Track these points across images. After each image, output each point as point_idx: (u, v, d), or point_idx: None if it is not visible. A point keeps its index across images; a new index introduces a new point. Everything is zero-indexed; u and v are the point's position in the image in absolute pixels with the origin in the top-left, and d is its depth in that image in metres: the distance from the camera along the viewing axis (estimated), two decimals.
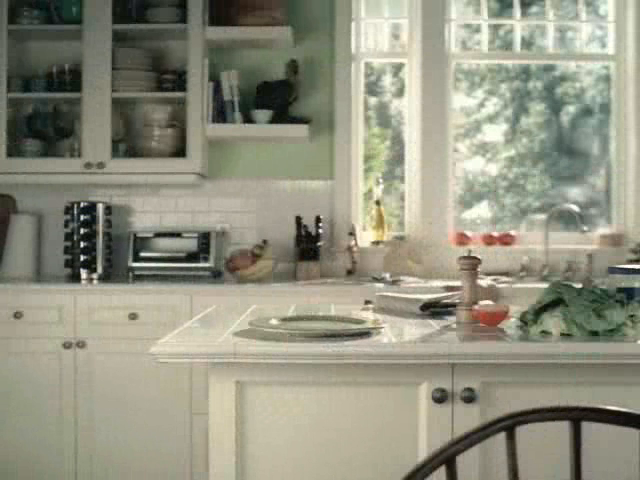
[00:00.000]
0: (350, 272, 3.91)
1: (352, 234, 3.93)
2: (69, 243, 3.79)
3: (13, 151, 3.82)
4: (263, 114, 3.84)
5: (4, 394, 3.44)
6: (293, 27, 3.89)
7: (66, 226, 3.81)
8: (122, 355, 3.42)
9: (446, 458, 1.05)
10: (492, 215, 4.27)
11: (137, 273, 3.79)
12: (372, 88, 4.28)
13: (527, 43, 4.25)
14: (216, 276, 3.79)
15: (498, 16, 4.25)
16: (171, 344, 1.76)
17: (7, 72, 3.76)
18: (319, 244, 3.87)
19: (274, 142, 4.03)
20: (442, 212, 4.09)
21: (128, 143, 3.94)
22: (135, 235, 3.84)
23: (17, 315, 3.43)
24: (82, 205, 3.79)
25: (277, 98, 3.87)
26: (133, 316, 3.43)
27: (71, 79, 3.83)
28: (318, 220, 3.88)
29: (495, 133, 4.31)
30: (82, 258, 3.77)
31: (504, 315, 2.02)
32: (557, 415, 1.09)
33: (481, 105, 4.32)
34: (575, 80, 4.30)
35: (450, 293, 2.43)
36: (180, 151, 3.81)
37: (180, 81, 3.83)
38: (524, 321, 1.94)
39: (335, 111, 4.04)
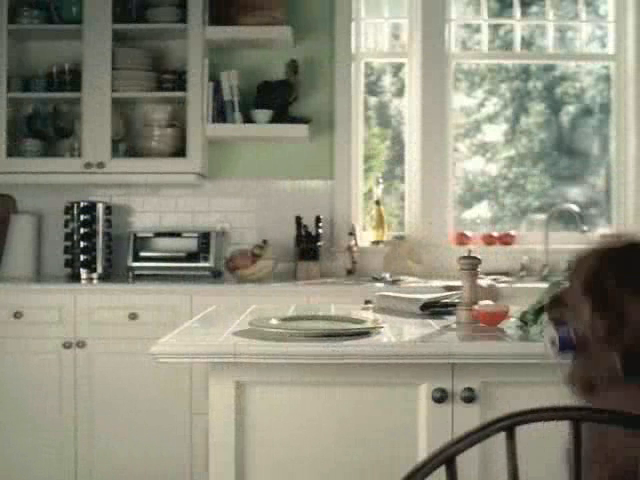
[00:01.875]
0: (350, 272, 3.91)
1: (352, 234, 3.93)
2: (69, 243, 3.79)
3: (13, 151, 3.82)
4: (263, 114, 3.84)
5: (3, 394, 3.44)
6: (293, 27, 3.89)
7: (66, 226, 3.81)
8: (122, 355, 3.42)
9: (446, 458, 1.05)
10: (492, 215, 4.27)
11: (137, 273, 3.79)
12: (372, 88, 4.28)
13: (527, 43, 4.25)
14: (216, 276, 3.79)
15: (498, 16, 4.25)
16: (171, 344, 1.76)
17: (7, 72, 3.75)
18: (319, 244, 3.87)
19: (274, 142, 4.03)
20: (442, 212, 4.08)
21: (128, 143, 3.94)
22: (135, 235, 3.84)
23: (17, 315, 3.43)
24: (82, 205, 3.79)
25: (277, 98, 3.87)
26: (133, 316, 3.43)
27: (71, 79, 3.82)
28: (318, 220, 3.88)
29: (495, 133, 4.31)
30: (82, 258, 3.77)
31: (504, 315, 2.02)
32: (557, 415, 1.09)
33: (481, 105, 4.32)
34: (575, 80, 4.30)
35: (450, 293, 2.43)
36: (180, 151, 3.81)
37: (180, 81, 3.83)
38: (524, 321, 1.94)
39: (335, 111, 4.04)
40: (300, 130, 3.83)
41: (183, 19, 3.76)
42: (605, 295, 1.22)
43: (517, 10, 4.21)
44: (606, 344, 1.21)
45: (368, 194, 4.19)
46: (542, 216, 4.16)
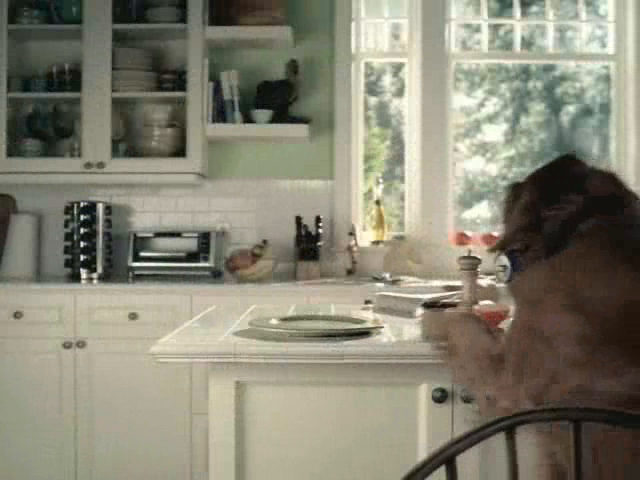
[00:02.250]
0: (350, 272, 3.91)
1: (352, 234, 3.93)
2: (69, 243, 3.80)
3: (13, 151, 3.82)
4: (263, 114, 3.84)
5: (4, 394, 3.44)
6: (293, 27, 3.89)
7: (66, 226, 3.81)
8: (122, 355, 3.42)
9: (446, 458, 1.05)
10: (492, 215, 4.27)
11: (137, 273, 3.79)
12: (372, 88, 4.28)
13: (527, 43, 4.25)
14: (216, 276, 3.79)
15: (498, 16, 4.25)
16: (171, 344, 1.76)
17: (7, 72, 3.76)
18: (319, 244, 3.87)
19: (274, 142, 4.03)
20: (442, 212, 4.08)
21: (128, 143, 3.94)
22: (135, 235, 3.84)
23: (17, 315, 3.43)
24: (82, 205, 3.80)
25: (277, 98, 3.87)
26: (133, 316, 3.43)
27: (71, 79, 3.83)
28: (318, 220, 3.88)
29: (495, 133, 4.31)
30: (82, 258, 3.77)
31: (504, 315, 2.01)
32: (557, 415, 1.10)
33: (481, 105, 4.32)
34: (575, 80, 4.30)
35: (450, 293, 2.43)
36: (180, 151, 3.81)
37: (180, 81, 3.83)
38: None
39: (335, 111, 4.04)
40: (300, 130, 3.83)
41: (183, 19, 3.76)
42: (525, 206, 1.52)
43: (517, 10, 4.21)
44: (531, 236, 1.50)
45: (368, 194, 4.19)
46: None
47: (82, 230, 3.78)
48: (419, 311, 1.98)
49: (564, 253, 1.43)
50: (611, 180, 1.51)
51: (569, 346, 1.31)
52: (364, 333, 1.87)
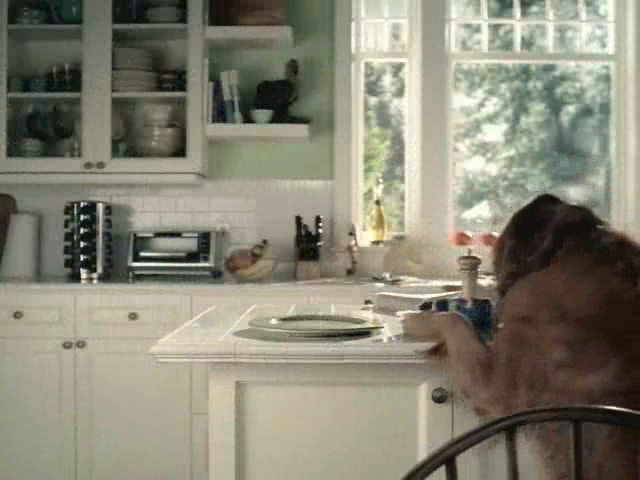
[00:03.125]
0: (350, 272, 3.91)
1: (352, 234, 3.93)
2: (69, 243, 3.80)
3: (13, 151, 3.83)
4: (263, 114, 3.84)
5: (4, 394, 3.44)
6: (293, 27, 3.89)
7: (66, 226, 3.81)
8: (122, 355, 3.42)
9: (446, 458, 1.05)
10: (492, 215, 4.27)
11: (137, 273, 3.79)
12: (372, 88, 4.28)
13: (527, 43, 4.25)
14: (216, 276, 3.79)
15: (498, 16, 4.25)
16: (171, 344, 1.76)
17: (7, 72, 3.76)
18: (319, 244, 3.87)
19: (274, 142, 4.03)
20: (442, 212, 4.08)
21: (128, 143, 3.94)
22: (135, 235, 3.84)
23: (17, 315, 3.43)
24: (82, 205, 3.80)
25: (277, 98, 3.87)
26: (133, 316, 3.43)
27: (71, 79, 3.83)
28: (318, 220, 3.88)
29: (495, 133, 4.31)
30: (82, 258, 3.77)
31: None
32: (557, 415, 1.10)
33: (481, 105, 4.32)
34: (575, 80, 4.30)
35: (450, 293, 2.43)
36: (180, 151, 3.81)
37: (180, 81, 3.83)
38: None
39: (335, 111, 4.04)
40: (300, 130, 3.83)
41: (183, 19, 3.76)
42: (509, 256, 1.67)
43: (517, 10, 4.21)
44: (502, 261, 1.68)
45: (368, 194, 4.19)
46: None
47: (82, 230, 3.78)
48: (400, 312, 1.99)
49: (543, 272, 1.56)
50: (580, 209, 1.69)
51: (556, 351, 1.39)
52: (364, 333, 1.87)
